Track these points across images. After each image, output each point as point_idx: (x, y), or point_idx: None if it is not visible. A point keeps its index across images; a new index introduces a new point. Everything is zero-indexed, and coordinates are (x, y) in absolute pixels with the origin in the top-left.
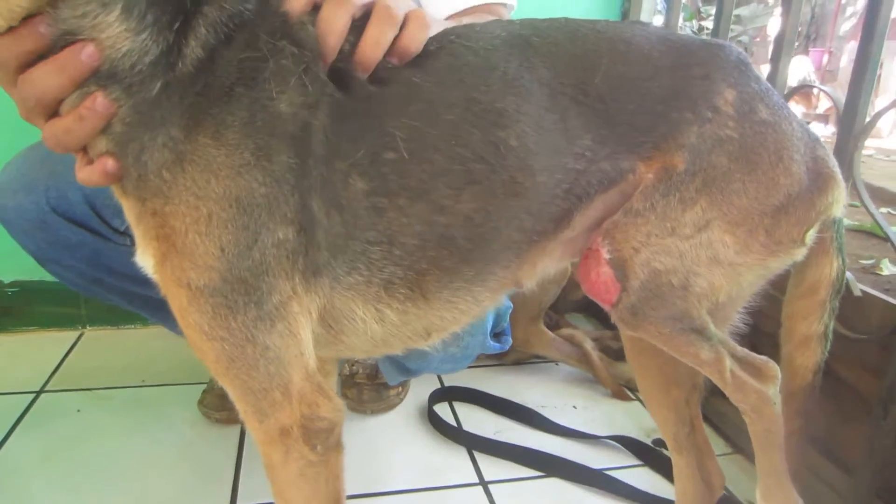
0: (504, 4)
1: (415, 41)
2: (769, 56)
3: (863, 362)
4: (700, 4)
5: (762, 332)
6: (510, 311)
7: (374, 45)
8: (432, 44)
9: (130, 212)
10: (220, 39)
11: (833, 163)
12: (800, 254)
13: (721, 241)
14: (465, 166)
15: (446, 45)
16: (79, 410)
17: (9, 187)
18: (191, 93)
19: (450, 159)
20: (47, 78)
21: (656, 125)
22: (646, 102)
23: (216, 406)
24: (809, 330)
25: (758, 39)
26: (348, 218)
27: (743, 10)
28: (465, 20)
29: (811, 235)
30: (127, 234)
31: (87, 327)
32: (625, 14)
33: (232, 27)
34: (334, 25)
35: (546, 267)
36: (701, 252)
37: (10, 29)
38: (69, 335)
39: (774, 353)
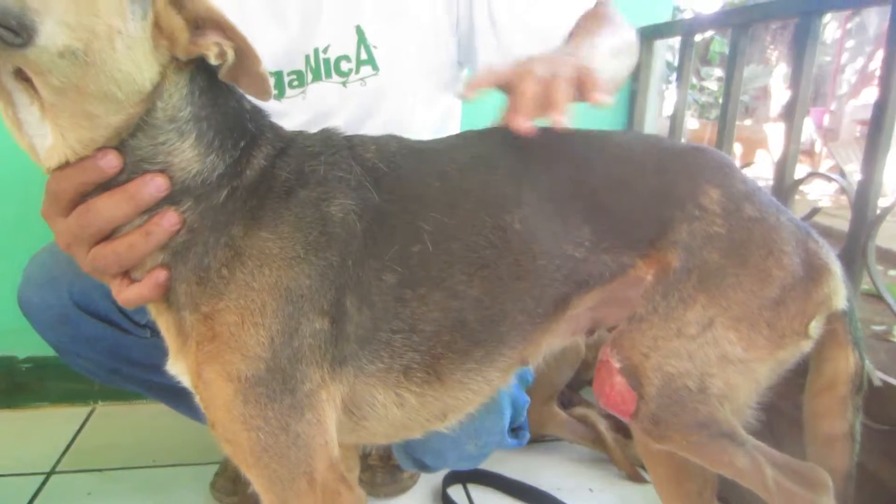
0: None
1: (563, 98)
2: (770, 115)
3: (885, 451)
4: (699, 66)
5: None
6: (527, 405)
7: (528, 101)
8: (444, 139)
9: (170, 324)
10: (281, 150)
11: (826, 253)
12: (807, 346)
13: (726, 337)
14: (478, 252)
15: (458, 141)
16: (89, 493)
17: (34, 282)
18: (254, 196)
19: (465, 246)
20: (115, 208)
21: (650, 223)
22: (638, 201)
23: (228, 490)
24: (833, 429)
25: (759, 99)
26: (377, 312)
27: (744, 71)
28: (587, 34)
29: (814, 327)
30: (147, 326)
31: (99, 402)
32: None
33: (291, 141)
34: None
35: (550, 345)
36: (710, 351)
37: (116, 187)
38: (81, 411)
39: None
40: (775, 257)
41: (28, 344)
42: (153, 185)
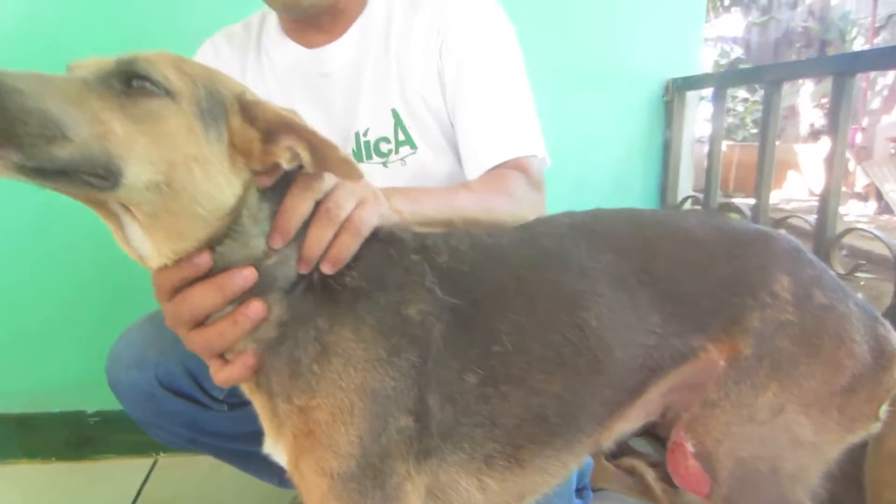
0: (534, 156)
1: (343, 252)
2: (799, 134)
3: None
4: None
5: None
6: (591, 467)
7: (314, 246)
8: (513, 233)
9: (265, 408)
10: (357, 258)
11: (894, 338)
12: (875, 427)
13: (797, 422)
14: (556, 350)
15: (526, 235)
16: None
17: (122, 363)
18: (335, 291)
19: (544, 345)
20: (205, 298)
21: (720, 309)
22: (707, 287)
23: None
24: None
25: (787, 118)
26: (459, 409)
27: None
28: (492, 178)
29: (884, 410)
30: (223, 400)
31: (161, 454)
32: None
33: (370, 240)
34: (296, 212)
35: (623, 429)
36: (781, 435)
37: (207, 279)
38: (144, 462)
39: None
40: (847, 347)
41: (96, 398)
42: (240, 278)
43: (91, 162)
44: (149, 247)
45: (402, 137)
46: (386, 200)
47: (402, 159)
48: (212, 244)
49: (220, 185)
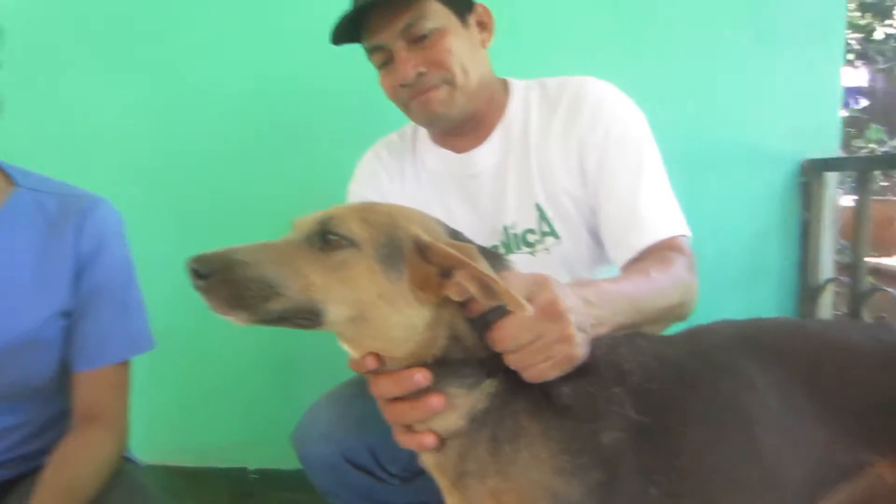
0: (685, 235)
1: (543, 377)
2: None
3: None
4: None
5: None
6: None
7: (518, 364)
8: (685, 344)
9: (451, 487)
10: None
11: None
12: None
13: None
14: (731, 464)
15: (698, 347)
16: None
17: (311, 436)
18: (527, 402)
19: (719, 459)
20: (407, 413)
21: (888, 424)
22: (873, 401)
23: None
24: None
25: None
26: None
27: None
28: (648, 264)
29: None
30: (397, 475)
31: None
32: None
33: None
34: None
35: None
36: None
37: (391, 372)
38: None
39: None
40: None
41: (257, 457)
42: (414, 380)
43: (299, 309)
44: (358, 354)
45: (546, 229)
46: (579, 301)
47: (546, 249)
48: (421, 354)
49: (407, 314)
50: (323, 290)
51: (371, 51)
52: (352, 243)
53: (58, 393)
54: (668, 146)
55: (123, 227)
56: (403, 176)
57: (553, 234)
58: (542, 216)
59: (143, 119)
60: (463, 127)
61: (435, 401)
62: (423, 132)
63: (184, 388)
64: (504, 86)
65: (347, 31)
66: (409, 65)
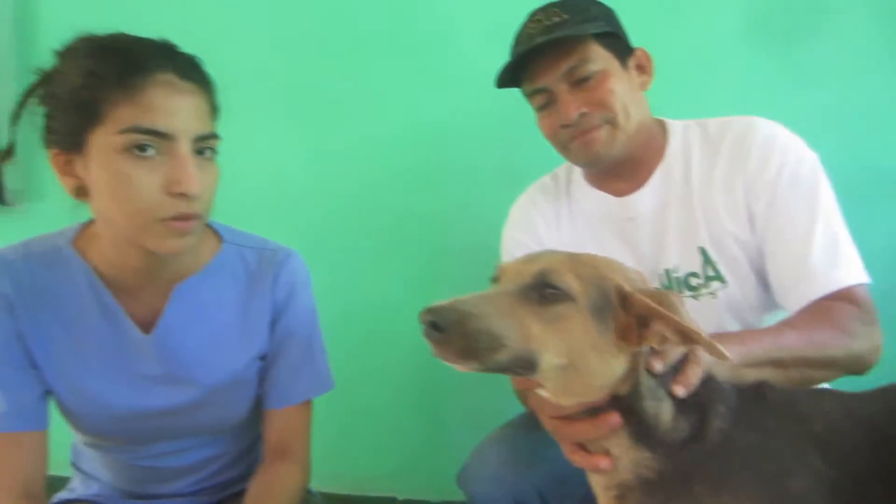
0: (861, 284)
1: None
2: None
3: None
4: None
5: None
6: None
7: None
8: (879, 399)
9: None
10: (733, 412)
11: None
12: None
13: None
14: None
15: (889, 406)
16: None
17: (480, 477)
18: (714, 458)
19: None
20: (585, 433)
21: None
22: None
23: None
24: None
25: None
26: None
27: None
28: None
29: None
30: None
31: None
32: None
33: (743, 410)
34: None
35: None
36: None
37: (589, 417)
38: None
39: None
40: None
41: (405, 487)
42: (611, 424)
43: (519, 358)
44: (555, 399)
45: (711, 273)
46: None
47: (712, 293)
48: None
49: (609, 363)
50: (541, 341)
51: (532, 94)
52: (568, 296)
53: (249, 427)
54: (836, 178)
55: (309, 276)
56: (559, 220)
57: (719, 278)
58: (707, 260)
59: (305, 168)
60: (622, 169)
61: (614, 419)
62: (577, 175)
63: (341, 415)
64: (661, 127)
65: (509, 75)
66: (573, 106)
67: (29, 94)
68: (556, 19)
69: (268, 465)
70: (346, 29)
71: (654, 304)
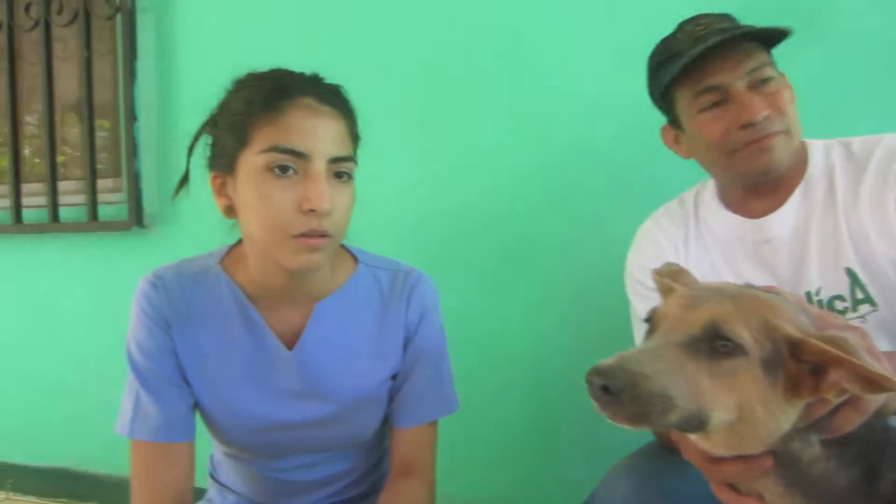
0: None
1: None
2: None
3: None
4: None
5: None
6: None
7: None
8: None
9: None
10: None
11: None
12: None
13: None
14: None
15: None
16: None
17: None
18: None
19: None
20: (736, 476)
21: None
22: None
23: None
24: None
25: None
26: None
27: None
28: None
29: None
30: None
31: None
32: None
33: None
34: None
35: None
36: None
37: (742, 458)
38: None
39: None
40: None
41: None
42: (765, 467)
43: (691, 417)
44: (712, 451)
45: (860, 296)
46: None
47: (861, 317)
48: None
49: (777, 418)
50: (712, 397)
51: (701, 92)
52: (742, 350)
53: (377, 444)
54: None
55: (438, 299)
56: (687, 244)
57: (869, 300)
58: (856, 282)
59: (429, 192)
60: (764, 187)
61: (766, 462)
62: (707, 198)
63: (454, 437)
64: (802, 145)
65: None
66: (759, 106)
67: (204, 126)
68: (727, 24)
69: (394, 482)
70: (470, 54)
71: (833, 350)
